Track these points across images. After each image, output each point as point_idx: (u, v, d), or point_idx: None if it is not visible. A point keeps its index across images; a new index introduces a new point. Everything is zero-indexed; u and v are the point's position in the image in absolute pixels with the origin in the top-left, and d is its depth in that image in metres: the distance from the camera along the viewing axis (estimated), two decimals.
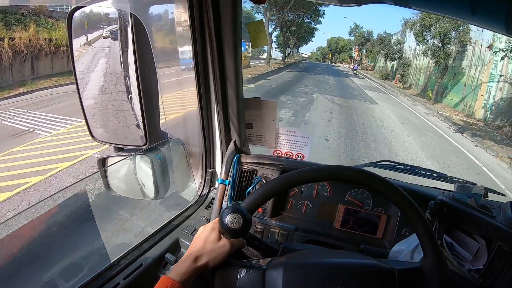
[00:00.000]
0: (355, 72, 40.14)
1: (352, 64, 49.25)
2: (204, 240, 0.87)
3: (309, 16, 37.27)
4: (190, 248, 0.88)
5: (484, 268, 1.13)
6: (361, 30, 43.93)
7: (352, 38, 48.87)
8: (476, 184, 1.30)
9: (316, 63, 58.58)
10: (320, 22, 39.77)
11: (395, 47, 28.49)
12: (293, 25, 36.94)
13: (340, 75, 30.57)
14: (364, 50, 44.13)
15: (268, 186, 0.90)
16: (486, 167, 7.27)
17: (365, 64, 44.72)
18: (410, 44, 26.02)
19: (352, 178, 0.91)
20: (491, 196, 1.32)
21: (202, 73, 1.31)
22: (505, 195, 1.40)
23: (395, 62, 28.65)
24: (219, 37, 1.26)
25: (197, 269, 0.83)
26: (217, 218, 0.88)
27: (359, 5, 1.16)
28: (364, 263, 0.85)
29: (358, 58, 48.23)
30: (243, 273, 0.84)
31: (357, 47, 47.04)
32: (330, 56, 64.26)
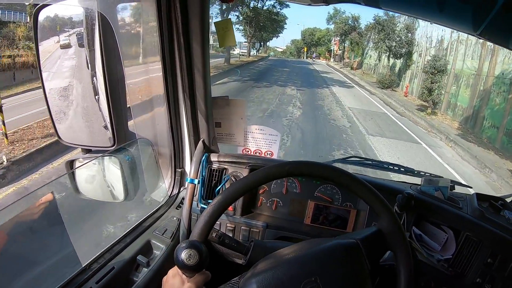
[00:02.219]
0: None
1: (332, 59, 41.03)
2: None
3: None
4: None
5: (453, 258, 1.18)
6: (343, 16, 33.09)
7: (332, 26, 37.25)
8: (442, 177, 1.30)
9: (286, 59, 47.33)
10: (287, 6, 31.85)
11: (402, 37, 18.39)
12: (244, 8, 28.10)
13: (315, 84, 18.98)
14: (347, 42, 33.68)
15: (211, 209, 0.90)
16: None
17: (347, 60, 35.27)
18: (427, 32, 16.33)
19: (286, 172, 0.92)
20: (458, 189, 1.33)
21: (170, 72, 1.31)
22: (471, 187, 1.41)
23: (400, 61, 19.16)
24: (187, 34, 1.27)
25: None
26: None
27: (327, 4, 1.17)
28: (327, 246, 0.86)
29: (339, 51, 39.53)
30: None
31: (337, 38, 37.68)
32: (305, 50, 55.67)
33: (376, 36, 20.87)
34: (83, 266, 1.07)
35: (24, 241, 1.18)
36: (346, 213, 1.34)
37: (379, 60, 23.02)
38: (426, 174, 1.38)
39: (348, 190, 0.92)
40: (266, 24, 33.15)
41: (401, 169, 1.43)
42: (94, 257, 1.12)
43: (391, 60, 20.20)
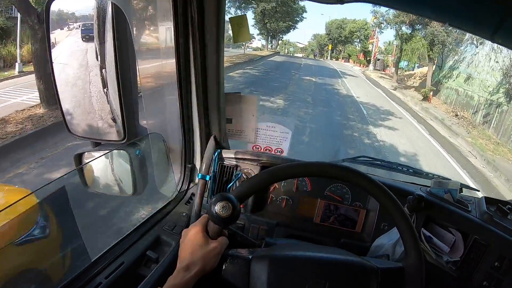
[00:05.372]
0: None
1: (371, 66, 27.85)
2: (191, 246, 0.86)
3: None
4: (179, 258, 0.87)
5: (461, 260, 1.20)
6: None
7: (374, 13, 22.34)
8: (451, 180, 1.30)
9: (297, 63, 30.06)
10: None
11: None
12: None
13: None
14: (419, 42, 17.59)
15: (256, 179, 0.92)
16: None
17: (391, 70, 22.34)
18: None
19: (339, 175, 0.93)
20: (466, 192, 1.34)
21: (184, 67, 1.33)
22: (479, 191, 1.41)
23: None
24: (202, 30, 1.29)
25: (192, 278, 0.82)
26: (199, 220, 0.89)
27: (342, 3, 1.14)
28: (349, 260, 0.89)
29: (377, 54, 27.13)
30: (228, 263, 0.85)
31: (376, 34, 24.36)
32: (330, 48, 41.49)
33: None
34: (92, 260, 1.07)
35: (35, 235, 1.16)
36: (355, 213, 1.36)
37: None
38: (435, 176, 1.39)
39: (387, 213, 0.92)
40: (270, 7, 21.45)
41: (410, 170, 1.46)
42: (103, 252, 1.12)
43: None
